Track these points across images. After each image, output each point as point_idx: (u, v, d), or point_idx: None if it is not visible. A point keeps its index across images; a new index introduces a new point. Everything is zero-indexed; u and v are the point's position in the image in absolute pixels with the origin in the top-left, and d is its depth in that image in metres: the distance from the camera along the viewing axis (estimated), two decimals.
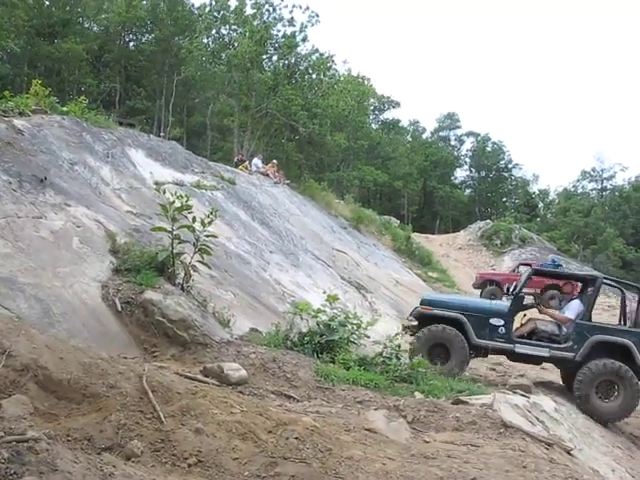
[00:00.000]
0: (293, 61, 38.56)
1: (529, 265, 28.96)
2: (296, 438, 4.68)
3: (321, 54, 39.01)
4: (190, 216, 8.25)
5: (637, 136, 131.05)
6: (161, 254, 8.20)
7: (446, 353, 10.02)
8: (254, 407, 5.22)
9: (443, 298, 11.76)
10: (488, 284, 28.32)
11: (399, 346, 8.61)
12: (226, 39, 40.84)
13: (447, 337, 10.03)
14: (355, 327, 8.78)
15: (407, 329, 10.58)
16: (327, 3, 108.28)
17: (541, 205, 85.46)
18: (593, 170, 75.40)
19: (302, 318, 8.75)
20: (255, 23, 37.98)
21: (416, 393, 7.56)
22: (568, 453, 6.63)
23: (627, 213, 68.38)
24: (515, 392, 8.57)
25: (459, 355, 9.98)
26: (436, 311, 10.40)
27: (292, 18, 38.71)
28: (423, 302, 10.88)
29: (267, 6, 38.55)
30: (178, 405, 4.78)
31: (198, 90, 51.01)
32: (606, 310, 28.76)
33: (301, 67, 38.77)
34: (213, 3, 41.24)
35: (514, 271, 29.45)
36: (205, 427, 4.51)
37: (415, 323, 10.55)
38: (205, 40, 41.62)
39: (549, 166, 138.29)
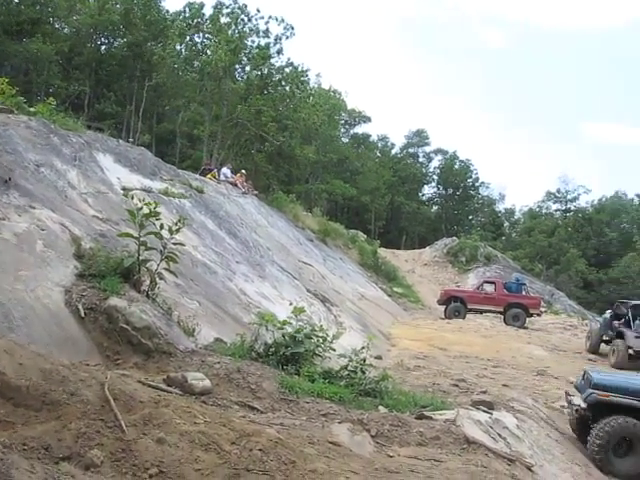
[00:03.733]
0: (266, 72, 38.58)
1: (493, 283, 29.82)
2: (260, 450, 4.61)
3: (295, 67, 39.13)
4: (157, 223, 8.11)
5: (599, 159, 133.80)
6: (127, 260, 8.05)
7: (627, 446, 9.25)
8: (217, 418, 5.14)
9: (619, 381, 10.05)
10: (452, 301, 28.68)
11: (364, 360, 8.56)
12: (199, 47, 40.75)
13: (638, 434, 9.15)
14: (321, 340, 8.70)
15: (578, 412, 9.86)
16: (302, 16, 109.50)
17: (506, 224, 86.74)
18: (558, 191, 76.86)
19: (267, 329, 8.65)
20: (229, 32, 37.96)
21: (380, 407, 7.54)
22: (529, 469, 6.65)
23: (589, 235, 69.94)
24: (478, 408, 8.58)
25: None
26: (619, 399, 9.37)
27: (267, 29, 38.85)
28: (597, 386, 9.63)
29: (243, 16, 38.60)
30: (140, 414, 4.69)
31: (169, 97, 50.75)
32: (567, 329, 29.28)
33: (274, 79, 38.82)
34: (187, 10, 41.16)
35: (478, 288, 29.82)
36: (167, 437, 4.42)
37: (583, 405, 9.70)
38: (178, 47, 41.45)
39: (515, 186, 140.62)
